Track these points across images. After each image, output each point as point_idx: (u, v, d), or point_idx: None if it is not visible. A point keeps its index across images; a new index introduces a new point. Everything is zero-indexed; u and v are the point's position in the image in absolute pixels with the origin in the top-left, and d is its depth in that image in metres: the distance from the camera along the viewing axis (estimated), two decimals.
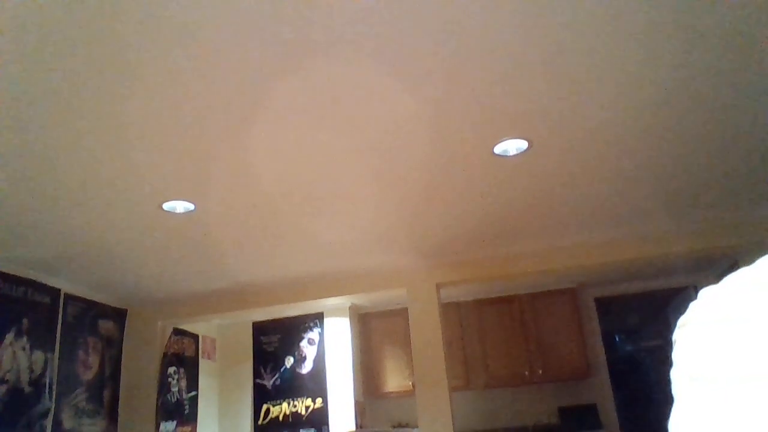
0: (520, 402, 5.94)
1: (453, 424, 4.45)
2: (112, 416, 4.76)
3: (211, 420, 5.88)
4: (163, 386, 5.06)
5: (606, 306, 6.23)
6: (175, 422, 5.17)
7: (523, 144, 2.84)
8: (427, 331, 4.68)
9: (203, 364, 5.83)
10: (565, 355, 5.71)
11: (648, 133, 2.83)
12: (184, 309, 5.17)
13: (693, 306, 0.52)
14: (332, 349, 5.78)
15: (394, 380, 5.90)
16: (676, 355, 0.51)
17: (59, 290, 4.31)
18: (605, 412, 5.72)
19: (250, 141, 2.60)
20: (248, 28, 1.88)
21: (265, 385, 5.88)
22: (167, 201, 3.15)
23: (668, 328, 6.75)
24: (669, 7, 1.94)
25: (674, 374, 0.50)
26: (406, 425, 5.90)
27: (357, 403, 5.61)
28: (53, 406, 4.11)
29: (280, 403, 5.77)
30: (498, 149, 2.86)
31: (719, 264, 5.53)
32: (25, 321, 3.94)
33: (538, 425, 5.83)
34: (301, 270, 4.62)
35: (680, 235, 4.48)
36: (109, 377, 4.79)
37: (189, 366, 5.55)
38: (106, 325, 4.83)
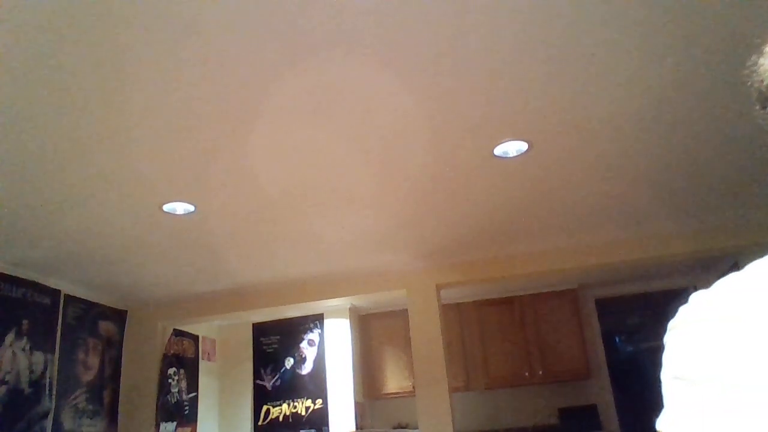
0: (520, 403, 5.94)
1: (453, 425, 4.45)
2: (112, 417, 4.76)
3: (211, 421, 5.88)
4: (163, 387, 5.06)
5: (606, 307, 6.22)
6: (175, 423, 5.17)
7: (523, 146, 2.84)
8: (427, 332, 4.68)
9: (203, 365, 5.83)
10: (566, 356, 5.71)
11: (648, 134, 2.83)
12: (184, 310, 5.17)
13: (681, 309, 0.53)
14: (332, 350, 5.78)
15: (394, 381, 5.90)
16: (664, 357, 0.52)
17: (59, 291, 4.31)
18: (605, 413, 5.72)
19: (251, 142, 2.60)
20: (249, 28, 1.88)
21: (265, 386, 5.88)
22: (167, 202, 3.15)
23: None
24: (667, 8, 1.94)
25: (662, 375, 0.51)
26: (406, 426, 5.90)
27: (357, 404, 5.61)
28: (53, 407, 4.11)
29: (280, 404, 5.77)
30: (498, 151, 2.87)
31: (720, 265, 5.52)
32: (25, 322, 3.94)
33: (538, 426, 5.83)
34: (301, 271, 4.62)
35: (681, 236, 4.48)
36: (109, 378, 4.79)
37: (189, 367, 5.55)
38: (106, 326, 4.83)
